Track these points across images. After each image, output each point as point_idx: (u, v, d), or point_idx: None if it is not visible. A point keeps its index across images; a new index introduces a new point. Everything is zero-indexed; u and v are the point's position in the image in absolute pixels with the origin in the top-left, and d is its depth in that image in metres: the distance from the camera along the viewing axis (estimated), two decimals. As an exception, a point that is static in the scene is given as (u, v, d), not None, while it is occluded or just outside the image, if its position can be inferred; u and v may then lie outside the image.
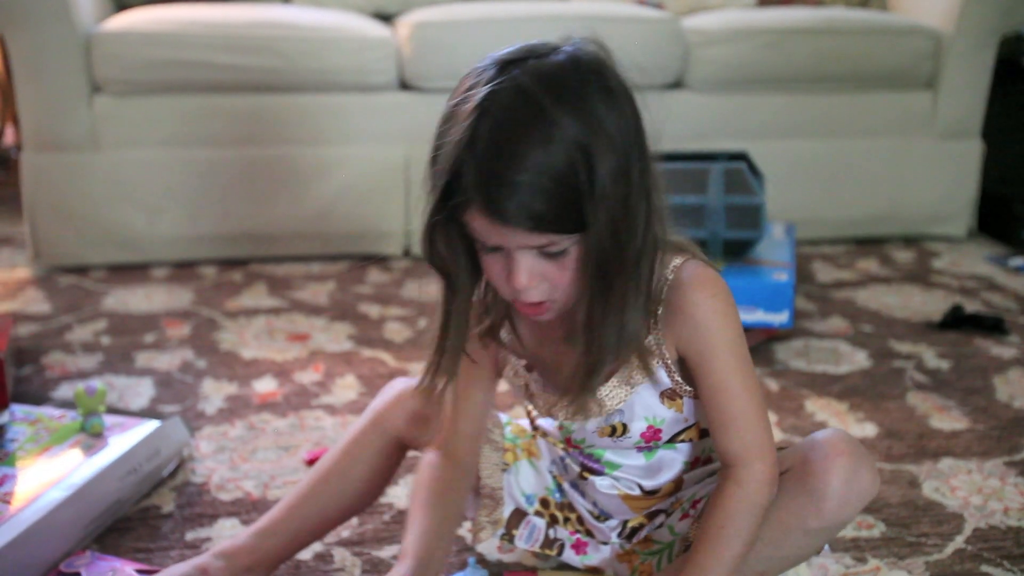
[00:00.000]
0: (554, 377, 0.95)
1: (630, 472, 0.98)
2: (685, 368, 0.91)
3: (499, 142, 0.77)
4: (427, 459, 1.02)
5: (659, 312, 0.88)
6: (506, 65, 0.80)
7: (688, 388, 0.92)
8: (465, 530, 1.18)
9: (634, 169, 0.80)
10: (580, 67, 0.80)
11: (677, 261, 0.88)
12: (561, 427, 0.98)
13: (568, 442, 1.00)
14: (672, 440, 0.96)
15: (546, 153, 0.76)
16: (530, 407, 1.03)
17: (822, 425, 1.48)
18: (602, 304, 0.83)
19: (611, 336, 0.84)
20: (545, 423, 1.03)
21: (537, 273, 0.82)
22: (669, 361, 0.90)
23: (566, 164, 0.77)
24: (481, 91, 0.79)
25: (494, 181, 0.77)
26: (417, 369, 1.67)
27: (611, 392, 0.91)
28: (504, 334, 0.96)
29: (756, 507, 0.88)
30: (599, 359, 0.85)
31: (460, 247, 0.86)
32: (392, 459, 1.08)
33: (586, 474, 1.01)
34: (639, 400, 0.92)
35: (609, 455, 0.98)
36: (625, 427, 0.94)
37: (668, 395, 0.93)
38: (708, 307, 0.87)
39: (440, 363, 0.93)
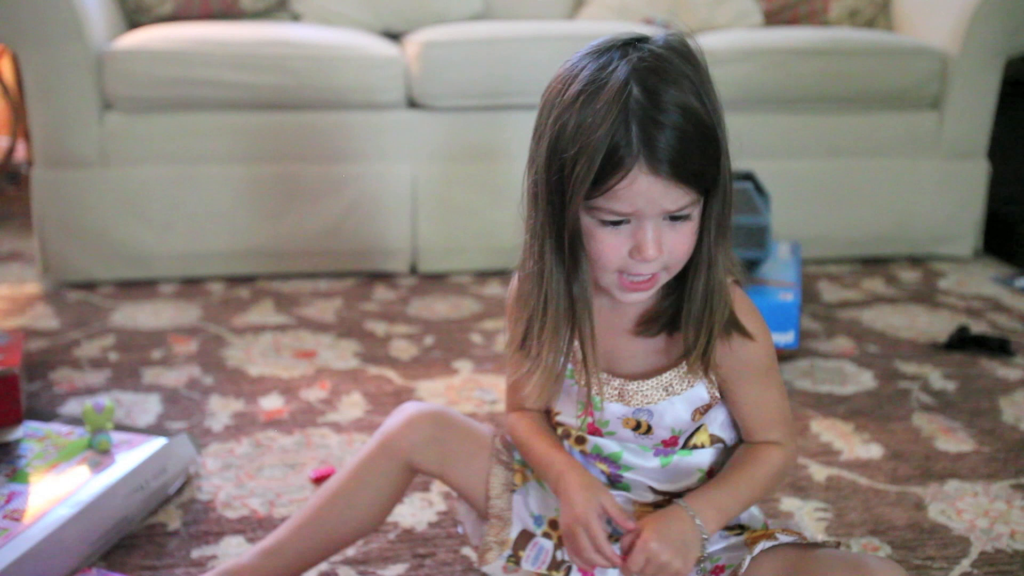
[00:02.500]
0: (606, 364, 0.98)
1: (644, 474, 1.00)
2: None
3: (657, 99, 0.83)
4: (511, 419, 1.07)
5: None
6: (629, 45, 0.86)
7: (719, 398, 0.97)
8: (471, 551, 1.19)
9: (727, 142, 0.88)
10: (691, 51, 0.87)
11: (729, 281, 0.93)
12: (590, 406, 0.99)
13: (591, 429, 1.00)
14: (686, 445, 0.99)
15: (688, 100, 0.83)
16: (554, 407, 1.04)
17: (827, 446, 1.48)
18: (718, 265, 0.90)
19: (722, 295, 0.90)
20: (567, 419, 1.03)
21: (660, 242, 0.87)
22: (712, 375, 0.94)
23: (704, 113, 0.84)
24: (623, 66, 0.84)
25: (653, 126, 0.82)
26: (423, 387, 1.68)
27: (648, 392, 0.96)
28: None
29: (784, 476, 1.00)
30: (715, 318, 0.91)
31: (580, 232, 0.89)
32: (400, 483, 1.09)
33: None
34: (671, 412, 0.96)
35: (626, 457, 1.00)
36: (650, 428, 0.97)
37: (701, 410, 0.97)
38: (748, 344, 0.93)
39: (553, 325, 0.93)
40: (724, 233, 0.90)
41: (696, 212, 0.87)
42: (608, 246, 0.87)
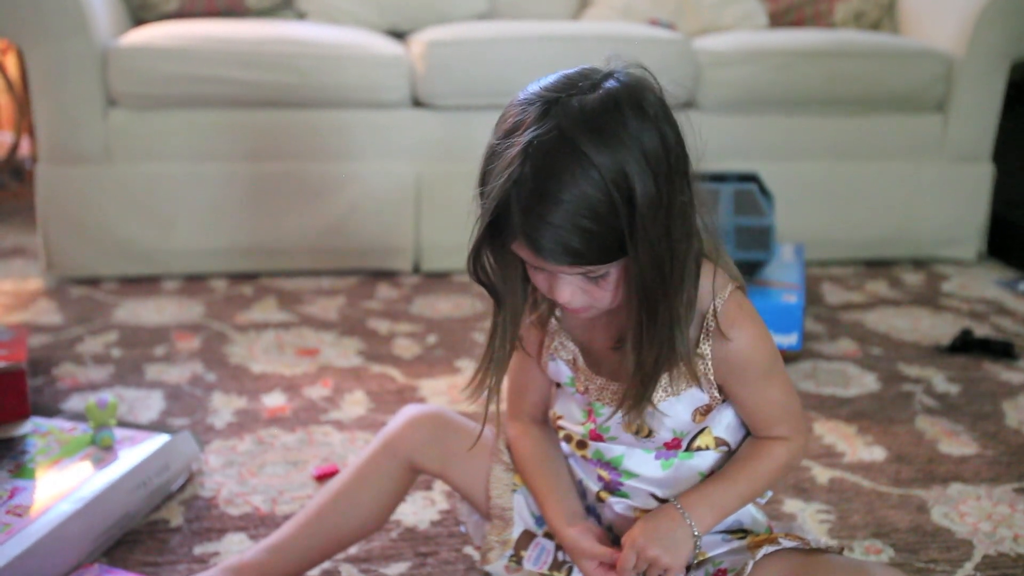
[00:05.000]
0: (598, 368, 0.98)
1: (644, 481, 1.00)
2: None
3: (541, 187, 0.81)
4: (512, 434, 1.08)
5: (711, 329, 0.92)
6: (549, 105, 0.83)
7: (720, 399, 0.96)
8: (473, 550, 1.19)
9: (675, 191, 0.84)
10: (618, 102, 0.83)
11: (728, 289, 0.92)
12: (591, 412, 1.00)
13: (592, 435, 1.01)
14: (688, 447, 0.98)
15: (586, 196, 0.80)
16: (556, 411, 1.05)
17: (830, 448, 1.48)
18: (651, 326, 0.87)
19: (661, 354, 0.88)
20: (569, 423, 1.03)
21: (579, 291, 0.88)
22: (712, 377, 0.94)
23: (606, 204, 0.81)
24: (525, 136, 0.82)
25: (536, 223, 0.81)
26: (426, 385, 1.68)
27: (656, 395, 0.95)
28: (554, 322, 1.01)
29: (792, 468, 1.04)
30: (651, 376, 0.90)
31: (509, 260, 0.91)
32: (402, 483, 1.09)
33: (604, 495, 1.02)
34: (671, 414, 0.95)
35: (627, 463, 1.00)
36: (651, 432, 0.97)
37: (702, 411, 0.96)
38: (748, 347, 0.93)
39: (487, 370, 0.97)
40: (664, 286, 0.85)
41: (615, 269, 0.85)
42: (536, 282, 0.90)
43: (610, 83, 0.84)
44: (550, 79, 0.86)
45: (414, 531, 1.24)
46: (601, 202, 0.80)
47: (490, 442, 1.09)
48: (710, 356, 0.92)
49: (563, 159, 0.81)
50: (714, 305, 0.91)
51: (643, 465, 0.99)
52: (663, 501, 0.99)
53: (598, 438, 1.01)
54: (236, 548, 1.20)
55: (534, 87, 0.86)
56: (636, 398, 0.91)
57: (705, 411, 0.96)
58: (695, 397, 0.95)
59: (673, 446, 0.98)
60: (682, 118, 0.87)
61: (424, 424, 1.08)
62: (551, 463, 1.05)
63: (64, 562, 1.11)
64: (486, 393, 0.97)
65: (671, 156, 0.84)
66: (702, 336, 0.92)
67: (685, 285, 0.87)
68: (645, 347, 0.88)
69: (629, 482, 1.00)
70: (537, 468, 1.05)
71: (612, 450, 1.00)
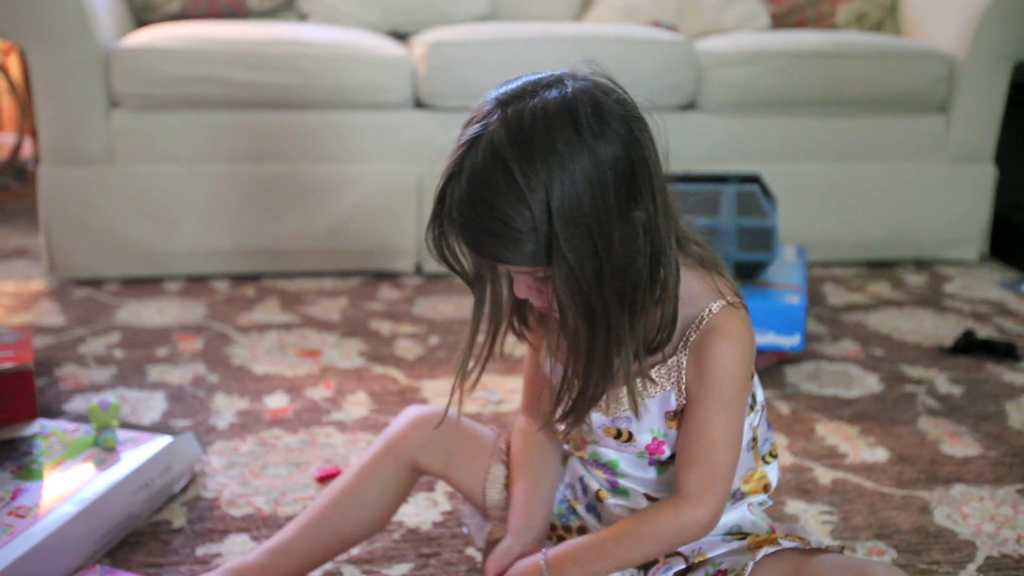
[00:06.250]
0: None
1: (639, 482, 1.00)
2: None
3: (471, 186, 0.83)
4: (517, 425, 1.08)
5: (691, 339, 0.91)
6: (494, 110, 0.85)
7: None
8: (475, 551, 1.19)
9: (609, 208, 0.82)
10: (551, 117, 0.82)
11: (721, 303, 0.91)
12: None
13: (580, 438, 1.01)
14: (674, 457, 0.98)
15: (508, 204, 0.81)
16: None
17: (832, 449, 1.48)
18: (575, 342, 0.87)
19: (591, 372, 0.88)
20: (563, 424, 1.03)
21: (533, 289, 0.89)
22: (683, 385, 0.92)
23: (526, 216, 0.82)
24: (468, 133, 0.85)
25: (463, 219, 0.84)
26: (428, 387, 1.68)
27: (623, 398, 0.94)
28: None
29: (679, 540, 0.94)
30: (581, 393, 0.89)
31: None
32: (405, 484, 1.10)
33: (603, 493, 1.02)
34: (646, 417, 0.95)
35: (623, 465, 1.00)
36: (631, 435, 0.96)
37: (671, 416, 0.95)
38: (722, 360, 0.90)
39: (468, 352, 0.96)
40: (603, 304, 0.84)
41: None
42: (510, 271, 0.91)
43: (552, 93, 0.83)
44: (512, 83, 0.87)
45: (416, 532, 1.24)
46: (522, 214, 0.81)
47: (490, 443, 1.09)
48: (685, 366, 0.91)
49: (489, 167, 0.82)
50: (701, 316, 0.90)
51: (638, 468, 0.99)
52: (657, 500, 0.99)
53: (583, 442, 1.00)
54: (238, 549, 1.20)
55: (496, 89, 0.87)
56: (563, 413, 0.91)
57: (673, 415, 0.95)
58: (665, 400, 0.94)
59: (656, 450, 0.97)
60: (654, 128, 0.86)
61: (426, 425, 1.08)
62: (534, 466, 1.05)
63: (67, 563, 1.11)
64: (475, 380, 0.97)
65: (606, 173, 0.82)
66: (680, 347, 0.91)
67: (638, 305, 0.86)
68: (570, 362, 0.88)
69: (623, 482, 1.00)
70: (519, 468, 1.05)
71: (607, 454, 1.00)
